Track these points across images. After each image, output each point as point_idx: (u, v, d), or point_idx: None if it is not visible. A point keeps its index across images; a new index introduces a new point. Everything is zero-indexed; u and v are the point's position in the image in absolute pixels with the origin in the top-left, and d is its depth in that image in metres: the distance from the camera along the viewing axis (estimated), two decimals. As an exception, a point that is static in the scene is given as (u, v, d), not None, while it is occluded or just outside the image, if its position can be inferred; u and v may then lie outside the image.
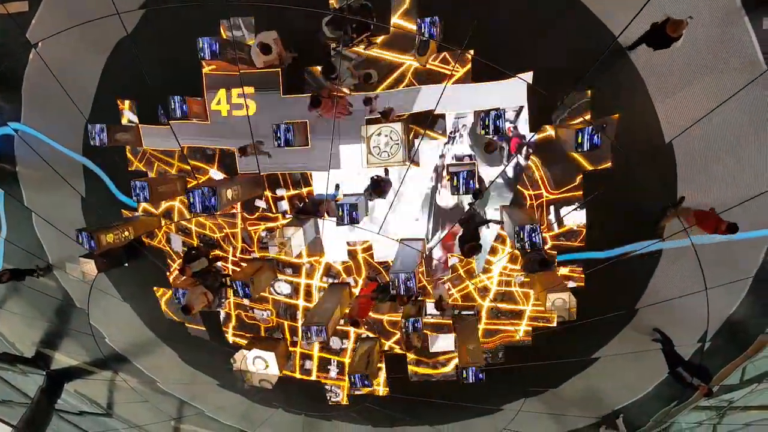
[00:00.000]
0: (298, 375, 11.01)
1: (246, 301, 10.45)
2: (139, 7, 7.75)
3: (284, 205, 9.12)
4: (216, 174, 9.08)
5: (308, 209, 8.34)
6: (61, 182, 9.45)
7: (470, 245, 7.20)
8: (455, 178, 7.55)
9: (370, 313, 8.71)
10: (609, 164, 7.65)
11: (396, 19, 7.57)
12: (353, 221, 7.75)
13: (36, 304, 11.81)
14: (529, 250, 7.45)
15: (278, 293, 10.21)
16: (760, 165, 7.24)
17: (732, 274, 8.12)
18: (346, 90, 7.91)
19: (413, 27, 7.43)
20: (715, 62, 6.78)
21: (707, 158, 7.35)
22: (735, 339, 8.92)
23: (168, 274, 10.22)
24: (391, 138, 7.75)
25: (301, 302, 10.14)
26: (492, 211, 8.44)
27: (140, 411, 13.64)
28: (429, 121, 8.02)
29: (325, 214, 8.80)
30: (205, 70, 8.26)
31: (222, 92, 8.26)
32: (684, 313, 8.53)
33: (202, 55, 7.19)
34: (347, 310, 8.87)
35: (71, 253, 9.94)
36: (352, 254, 9.41)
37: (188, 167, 9.04)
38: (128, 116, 8.75)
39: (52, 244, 10.50)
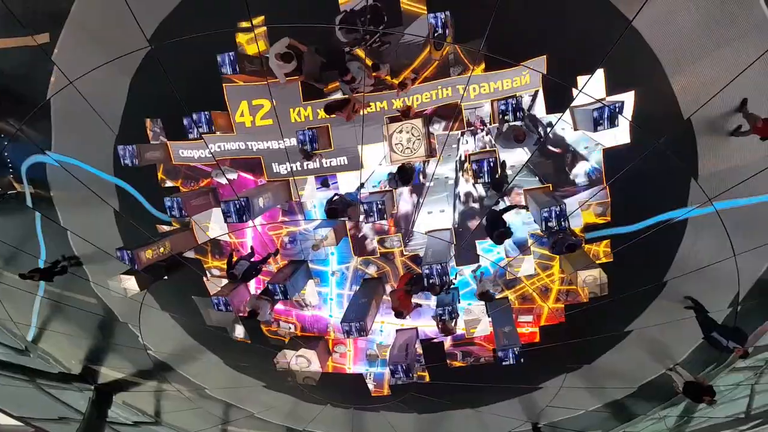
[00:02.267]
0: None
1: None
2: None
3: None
4: (219, 175, 9.32)
5: (338, 208, 8.26)
6: (96, 203, 9.68)
7: (500, 231, 7.38)
8: (478, 167, 7.74)
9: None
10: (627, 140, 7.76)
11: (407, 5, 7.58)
12: (381, 217, 8.01)
13: (79, 322, 12.21)
14: (556, 232, 7.66)
15: (306, 305, 10.54)
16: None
17: (758, 236, 8.17)
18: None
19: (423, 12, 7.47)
20: (724, 30, 6.83)
21: (726, 124, 7.44)
22: (767, 300, 9.03)
23: (206, 279, 10.62)
24: (412, 134, 7.92)
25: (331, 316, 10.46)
26: (514, 196, 8.60)
27: (187, 417, 14.13)
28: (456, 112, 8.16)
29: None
30: (226, 84, 8.45)
31: (244, 104, 8.47)
32: (713, 279, 8.61)
33: (223, 70, 7.47)
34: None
35: (111, 269, 10.32)
36: (387, 257, 9.66)
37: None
38: (156, 134, 9.01)
39: (92, 264, 10.90)
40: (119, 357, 12.94)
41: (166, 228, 9.93)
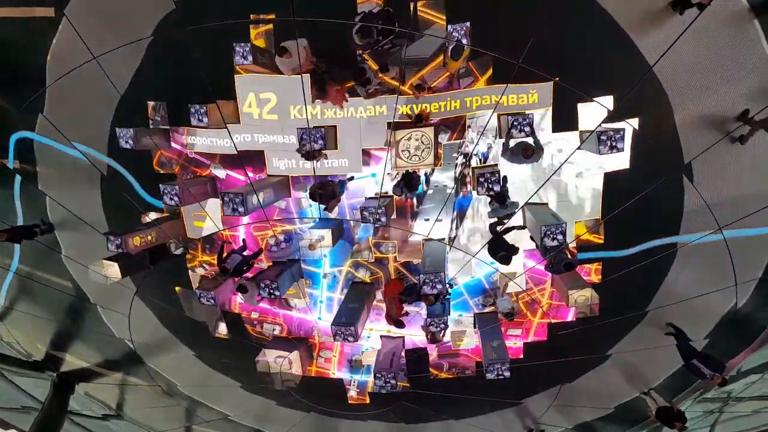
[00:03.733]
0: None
1: (254, 315, 10.68)
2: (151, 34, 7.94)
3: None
4: (217, 168, 9.16)
5: (323, 194, 7.90)
6: (82, 183, 9.49)
7: (501, 255, 7.47)
8: (483, 181, 7.79)
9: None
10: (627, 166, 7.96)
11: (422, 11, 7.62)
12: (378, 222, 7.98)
13: (48, 305, 11.72)
14: (551, 250, 7.76)
15: (292, 306, 10.38)
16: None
17: (738, 269, 8.45)
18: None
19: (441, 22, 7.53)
20: (730, 70, 7.14)
21: (722, 158, 7.67)
22: (736, 333, 9.37)
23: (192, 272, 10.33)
24: (422, 142, 7.91)
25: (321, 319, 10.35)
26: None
27: (152, 413, 13.66)
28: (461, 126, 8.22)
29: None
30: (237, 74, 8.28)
31: (252, 96, 8.32)
32: (692, 310, 8.86)
33: (237, 59, 7.35)
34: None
35: (91, 253, 9.97)
36: (381, 262, 9.57)
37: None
38: (157, 122, 8.74)
39: (70, 242, 10.51)
40: (86, 344, 12.43)
41: (153, 215, 9.64)
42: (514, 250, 7.54)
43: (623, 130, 7.26)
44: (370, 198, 8.77)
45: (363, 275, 9.72)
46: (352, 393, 11.42)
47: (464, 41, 7.13)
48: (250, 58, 7.39)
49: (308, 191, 7.94)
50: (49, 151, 9.32)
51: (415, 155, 8.03)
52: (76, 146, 9.04)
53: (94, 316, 11.51)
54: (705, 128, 7.50)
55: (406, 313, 8.66)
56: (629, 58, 7.18)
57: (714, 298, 8.71)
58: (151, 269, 9.74)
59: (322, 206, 8.12)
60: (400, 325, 8.37)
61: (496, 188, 7.72)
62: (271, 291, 8.69)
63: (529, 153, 7.71)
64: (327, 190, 7.91)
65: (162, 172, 9.30)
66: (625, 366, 10.06)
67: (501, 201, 8.01)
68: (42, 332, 12.43)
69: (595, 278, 8.96)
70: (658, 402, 9.61)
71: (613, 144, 7.15)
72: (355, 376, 11.14)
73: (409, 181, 7.93)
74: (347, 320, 8.52)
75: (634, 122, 7.67)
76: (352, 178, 8.66)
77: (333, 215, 8.99)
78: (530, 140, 7.55)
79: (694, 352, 8.69)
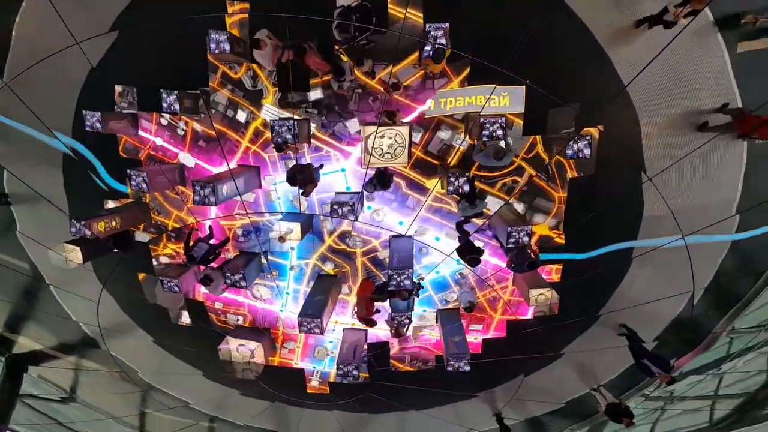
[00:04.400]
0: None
1: (218, 305, 10.64)
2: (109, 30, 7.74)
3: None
4: (187, 157, 9.02)
5: (299, 178, 7.76)
6: (42, 160, 9.17)
7: (469, 257, 7.65)
8: (454, 181, 7.93)
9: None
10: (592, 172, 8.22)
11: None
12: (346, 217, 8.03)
13: (3, 285, 11.32)
14: (513, 249, 8.00)
15: (256, 297, 10.36)
16: (722, 178, 8.06)
17: (688, 275, 8.89)
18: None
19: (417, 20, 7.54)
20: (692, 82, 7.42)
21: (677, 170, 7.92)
22: (684, 336, 9.91)
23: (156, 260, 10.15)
24: (395, 140, 7.93)
25: (283, 310, 10.36)
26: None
27: (108, 397, 13.41)
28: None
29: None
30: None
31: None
32: (643, 313, 9.25)
33: (212, 46, 7.14)
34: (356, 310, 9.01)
35: (48, 228, 9.80)
36: (349, 257, 9.64)
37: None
38: (125, 105, 8.44)
39: (27, 219, 10.21)
40: (41, 327, 12.07)
41: (113, 204, 9.45)
42: (481, 251, 7.74)
43: (590, 136, 7.51)
44: (340, 193, 8.78)
45: (329, 268, 9.76)
46: (314, 383, 11.53)
47: (443, 41, 7.13)
48: (227, 47, 7.16)
49: (286, 175, 7.84)
50: (6, 126, 8.94)
51: (388, 153, 8.05)
52: (44, 126, 8.64)
53: (50, 298, 11.19)
54: (667, 137, 7.79)
55: (377, 311, 8.75)
56: (602, 68, 7.38)
57: (664, 302, 9.11)
58: (123, 257, 9.53)
59: (300, 190, 8.01)
60: (371, 324, 8.45)
61: (466, 188, 7.86)
62: (237, 281, 8.68)
63: (500, 155, 7.87)
64: (305, 175, 7.87)
65: (126, 157, 9.09)
66: (578, 364, 10.48)
67: (470, 201, 8.16)
68: (-4, 312, 12.01)
69: (556, 277, 9.28)
70: (608, 398, 10.07)
71: (580, 150, 7.41)
72: (320, 366, 11.24)
73: (381, 178, 7.98)
74: (313, 312, 8.57)
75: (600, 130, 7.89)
76: (321, 166, 8.62)
77: (304, 207, 8.96)
78: (502, 143, 7.69)
79: (645, 352, 9.14)
